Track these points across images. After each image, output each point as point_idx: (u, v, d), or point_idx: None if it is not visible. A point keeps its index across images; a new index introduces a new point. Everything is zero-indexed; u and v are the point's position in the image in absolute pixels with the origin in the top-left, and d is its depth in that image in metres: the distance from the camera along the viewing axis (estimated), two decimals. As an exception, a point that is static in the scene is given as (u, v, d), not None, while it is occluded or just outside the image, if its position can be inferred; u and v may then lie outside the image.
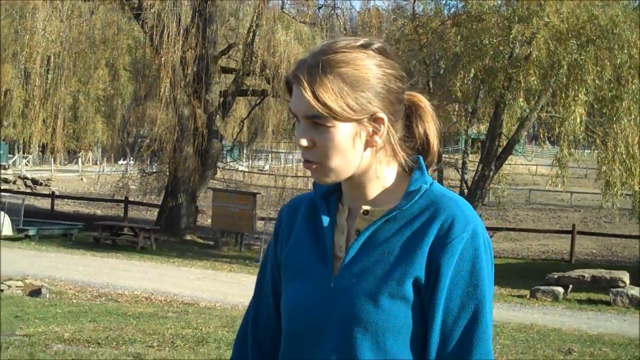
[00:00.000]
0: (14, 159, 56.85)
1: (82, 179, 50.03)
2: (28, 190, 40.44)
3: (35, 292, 15.19)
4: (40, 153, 57.74)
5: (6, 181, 41.94)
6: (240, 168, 44.95)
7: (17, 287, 15.45)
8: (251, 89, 28.38)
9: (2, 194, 32.56)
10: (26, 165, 54.64)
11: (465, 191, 23.53)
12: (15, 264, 17.50)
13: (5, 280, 15.49)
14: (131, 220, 30.36)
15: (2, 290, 15.01)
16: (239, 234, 26.05)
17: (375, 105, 1.74)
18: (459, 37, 22.44)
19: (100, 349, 7.74)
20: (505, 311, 15.00)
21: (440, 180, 23.84)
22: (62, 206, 37.80)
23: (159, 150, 27.71)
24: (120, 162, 42.21)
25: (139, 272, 18.70)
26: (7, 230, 24.99)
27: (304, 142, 1.75)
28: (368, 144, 1.76)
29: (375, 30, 26.90)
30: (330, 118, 1.71)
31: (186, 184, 27.32)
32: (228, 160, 36.84)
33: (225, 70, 28.86)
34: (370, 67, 1.74)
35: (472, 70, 21.62)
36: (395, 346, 1.71)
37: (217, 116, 27.21)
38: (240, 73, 27.25)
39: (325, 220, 1.85)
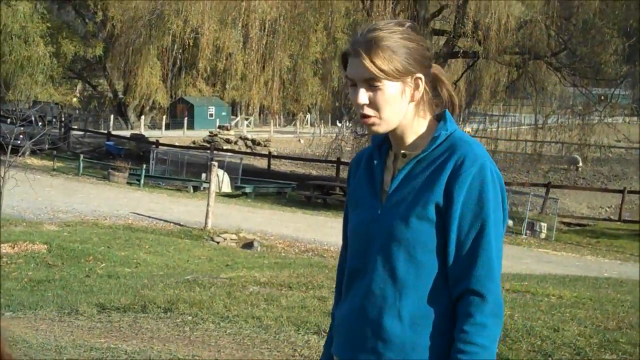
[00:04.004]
0: (236, 120, 59.31)
1: (299, 140, 51.44)
2: (248, 151, 42.13)
3: (248, 245, 16.08)
4: (260, 115, 59.92)
5: (228, 141, 43.94)
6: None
7: (231, 239, 16.47)
8: (462, 50, 28.14)
9: (223, 153, 34.30)
10: (247, 126, 56.80)
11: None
12: (231, 218, 18.55)
13: (222, 233, 16.53)
14: (343, 181, 30.97)
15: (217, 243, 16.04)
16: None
17: (414, 68, 2.23)
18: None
19: (290, 292, 8.27)
20: None
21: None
22: (279, 166, 39.17)
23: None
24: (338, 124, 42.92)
25: (345, 230, 19.15)
26: (226, 188, 26.41)
27: (364, 100, 2.22)
28: (411, 98, 2.26)
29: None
30: (383, 79, 2.19)
31: (394, 145, 27.53)
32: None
33: (437, 32, 28.76)
34: (408, 39, 2.23)
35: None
36: (424, 256, 2.22)
37: (428, 78, 27.17)
38: (452, 35, 27.12)
39: (377, 163, 2.37)
